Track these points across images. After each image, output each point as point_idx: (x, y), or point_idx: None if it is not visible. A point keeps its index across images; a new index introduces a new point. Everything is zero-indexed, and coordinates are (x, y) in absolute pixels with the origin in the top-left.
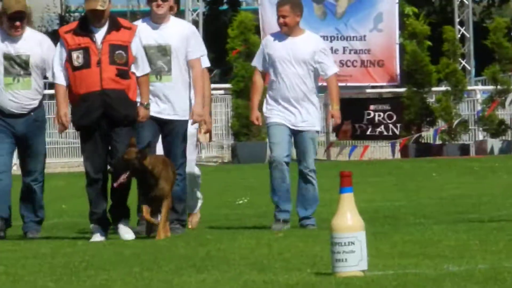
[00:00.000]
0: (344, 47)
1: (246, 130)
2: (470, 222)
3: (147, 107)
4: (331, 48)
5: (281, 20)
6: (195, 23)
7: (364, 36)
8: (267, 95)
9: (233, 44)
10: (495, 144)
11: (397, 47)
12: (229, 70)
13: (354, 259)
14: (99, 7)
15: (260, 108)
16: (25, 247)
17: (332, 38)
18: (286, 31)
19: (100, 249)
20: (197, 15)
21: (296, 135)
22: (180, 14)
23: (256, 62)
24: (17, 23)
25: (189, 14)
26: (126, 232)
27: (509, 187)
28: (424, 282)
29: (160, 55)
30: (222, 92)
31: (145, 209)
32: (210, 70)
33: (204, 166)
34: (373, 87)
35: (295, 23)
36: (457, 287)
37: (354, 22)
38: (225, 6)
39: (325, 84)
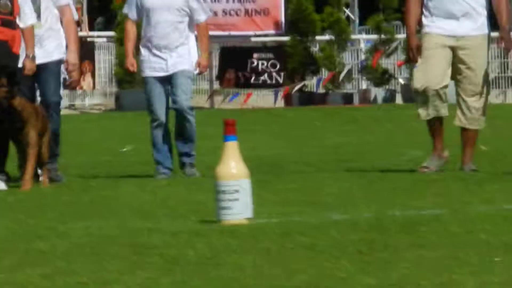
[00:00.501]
0: None
1: (130, 78)
2: (353, 170)
3: (33, 59)
4: None
5: None
6: None
7: None
8: (140, 44)
9: None
10: (378, 93)
11: None
12: (113, 18)
13: (239, 207)
14: None
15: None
16: None
17: None
18: None
19: None
20: None
21: (171, 77)
22: None
23: (128, 9)
24: None
25: None
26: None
27: (391, 136)
28: (308, 230)
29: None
30: (105, 40)
31: (19, 155)
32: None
33: (88, 113)
34: (257, 35)
35: None
36: (341, 236)
37: None
38: None
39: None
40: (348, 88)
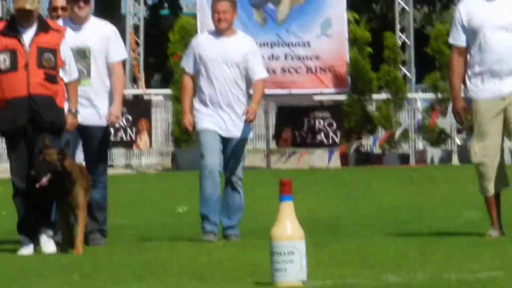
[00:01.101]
0: (285, 54)
1: (187, 136)
2: (410, 232)
3: (75, 114)
4: (272, 55)
5: (221, 15)
6: (136, 27)
7: (308, 42)
8: (196, 99)
9: (174, 49)
10: (435, 153)
11: (347, 53)
12: (170, 76)
13: (294, 269)
14: (27, 6)
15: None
16: None
17: (273, 44)
18: (224, 27)
19: (39, 256)
20: (138, 19)
21: (225, 141)
22: (122, 18)
23: (185, 63)
24: None
25: (130, 18)
26: (47, 244)
27: (448, 197)
28: None
29: (79, 57)
30: (162, 98)
31: (63, 218)
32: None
33: (144, 173)
34: (315, 94)
35: (232, 20)
36: None
37: (296, 28)
38: (166, 11)
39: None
40: (405, 148)
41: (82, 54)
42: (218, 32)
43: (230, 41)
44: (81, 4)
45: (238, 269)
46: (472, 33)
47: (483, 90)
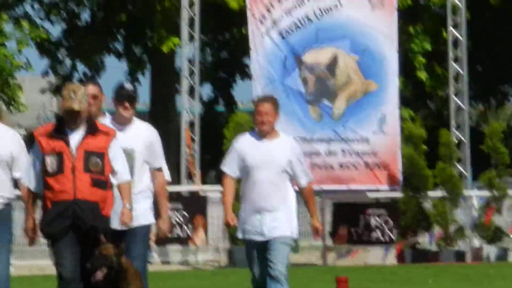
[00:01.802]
0: (343, 149)
1: None
2: None
3: (130, 209)
4: (329, 151)
5: (264, 118)
6: (192, 123)
7: (367, 138)
8: (240, 203)
9: (229, 145)
10: (491, 250)
11: (399, 151)
12: None
13: None
14: (75, 107)
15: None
16: None
17: (330, 140)
18: (266, 130)
19: None
20: (193, 115)
21: (268, 243)
22: (177, 114)
23: (227, 168)
24: None
25: (186, 115)
26: None
27: None
28: None
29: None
30: (218, 194)
31: None
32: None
33: (201, 269)
34: (371, 191)
35: (274, 122)
36: None
37: (353, 123)
38: (221, 107)
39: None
40: (461, 245)
41: (126, 156)
42: (261, 135)
43: (273, 144)
44: (126, 104)
45: None
46: None
47: None
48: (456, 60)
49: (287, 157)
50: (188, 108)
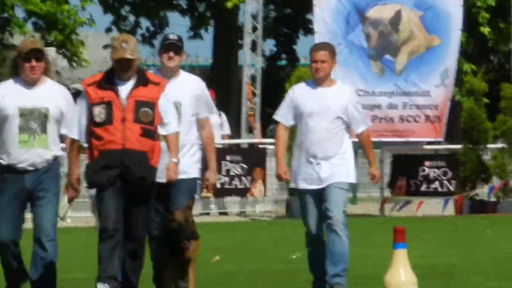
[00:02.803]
0: (404, 103)
1: None
2: None
3: (177, 163)
4: (390, 104)
5: (319, 65)
6: (253, 77)
7: (428, 91)
8: (294, 152)
9: None
10: None
11: (449, 103)
12: None
13: None
14: (128, 56)
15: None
16: None
17: (391, 94)
18: (322, 76)
19: None
20: (255, 70)
21: (324, 190)
22: (239, 69)
23: (281, 116)
24: (34, 63)
25: (247, 69)
26: None
27: None
28: None
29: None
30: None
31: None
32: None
33: (259, 220)
34: (428, 143)
35: (331, 70)
36: None
37: (415, 77)
38: (283, 62)
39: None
40: None
41: (177, 107)
42: (316, 83)
43: (329, 92)
44: (171, 54)
45: None
46: None
47: None
48: None
49: (343, 104)
50: (250, 63)
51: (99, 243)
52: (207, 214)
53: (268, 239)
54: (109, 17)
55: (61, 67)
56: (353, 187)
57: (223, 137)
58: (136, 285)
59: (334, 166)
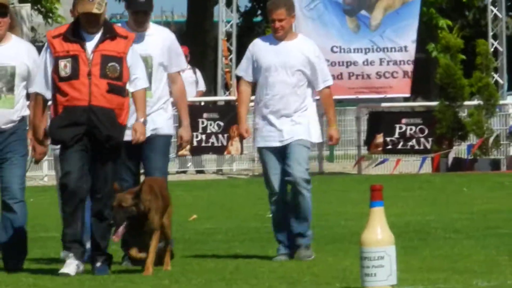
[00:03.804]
0: (381, 59)
1: None
2: (500, 237)
3: (144, 123)
4: (366, 60)
5: (277, 24)
6: (229, 34)
7: (405, 46)
8: (255, 109)
9: None
10: None
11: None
12: None
13: (383, 273)
14: (95, 10)
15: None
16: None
17: (367, 50)
18: (281, 35)
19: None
20: (231, 26)
21: (286, 147)
22: (214, 25)
23: (242, 71)
24: None
25: (223, 25)
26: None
27: None
28: None
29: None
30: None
31: (134, 250)
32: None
33: (235, 178)
34: (405, 99)
35: (290, 25)
36: None
37: (391, 33)
38: (259, 18)
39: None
40: (496, 154)
41: (146, 62)
42: (277, 39)
43: (290, 45)
44: (140, 19)
45: (327, 273)
46: None
47: None
48: None
49: (304, 57)
50: (226, 19)
51: (62, 204)
52: (184, 172)
53: (245, 197)
54: None
55: (37, 23)
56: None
57: (198, 93)
58: (104, 249)
59: (297, 123)
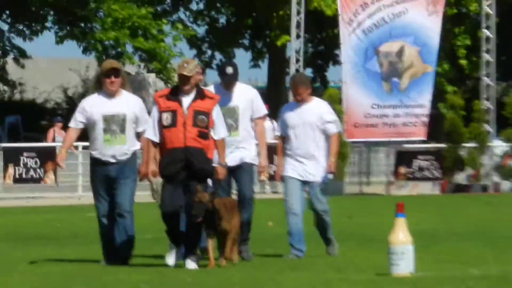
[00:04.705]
0: (406, 112)
1: None
2: (488, 238)
3: (224, 167)
4: (395, 114)
5: (298, 97)
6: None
7: (423, 104)
8: (285, 152)
9: None
10: (506, 184)
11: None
12: None
13: (405, 264)
14: (185, 73)
15: None
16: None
17: (395, 106)
18: (301, 102)
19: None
20: None
21: (306, 184)
22: (287, 90)
23: (278, 129)
24: (112, 79)
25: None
26: (190, 265)
27: None
28: (451, 281)
29: (230, 114)
30: None
31: (210, 242)
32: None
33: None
34: (422, 142)
35: (307, 95)
36: (474, 284)
37: (415, 94)
38: (317, 84)
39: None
40: (486, 181)
41: (232, 112)
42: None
43: (307, 107)
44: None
45: (365, 264)
46: None
47: None
48: (487, 51)
49: (319, 115)
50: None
51: (164, 219)
52: (264, 193)
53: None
54: (193, 52)
55: (160, 88)
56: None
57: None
58: (194, 250)
59: (313, 165)
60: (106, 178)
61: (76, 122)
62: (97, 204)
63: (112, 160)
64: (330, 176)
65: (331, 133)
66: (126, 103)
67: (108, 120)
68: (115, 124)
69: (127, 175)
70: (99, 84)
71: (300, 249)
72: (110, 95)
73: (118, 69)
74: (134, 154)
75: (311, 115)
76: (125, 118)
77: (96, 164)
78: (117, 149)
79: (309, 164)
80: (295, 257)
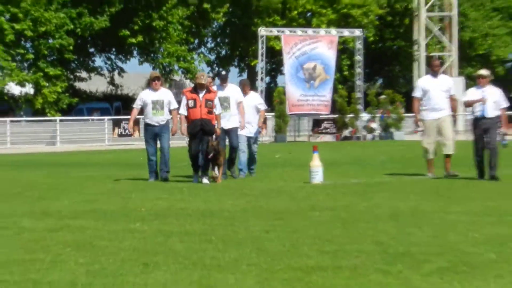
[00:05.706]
0: (318, 99)
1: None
2: (360, 164)
3: (221, 129)
4: (313, 100)
5: (244, 92)
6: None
7: (326, 95)
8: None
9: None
10: (369, 136)
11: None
12: None
13: (318, 177)
14: (201, 81)
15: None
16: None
17: (313, 95)
18: (245, 94)
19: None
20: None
21: (250, 138)
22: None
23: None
24: (156, 82)
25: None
26: (204, 180)
27: None
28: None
29: (224, 101)
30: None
31: (212, 172)
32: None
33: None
34: (326, 115)
35: (249, 90)
36: (363, 187)
37: (322, 90)
38: (272, 85)
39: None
40: (359, 134)
41: (226, 99)
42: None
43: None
44: (223, 83)
45: (298, 178)
46: None
47: None
48: (358, 67)
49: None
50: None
51: (190, 157)
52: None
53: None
54: (209, 68)
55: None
56: None
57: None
58: (207, 172)
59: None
60: (152, 133)
61: (137, 104)
62: (148, 148)
63: (156, 124)
64: (259, 129)
65: (261, 109)
66: (163, 94)
67: (154, 103)
68: (158, 105)
69: (164, 132)
70: (149, 84)
71: (245, 171)
72: (155, 90)
73: (159, 77)
74: (167, 121)
75: (252, 100)
76: (163, 102)
77: (148, 126)
78: (159, 118)
79: (249, 126)
80: (244, 176)
